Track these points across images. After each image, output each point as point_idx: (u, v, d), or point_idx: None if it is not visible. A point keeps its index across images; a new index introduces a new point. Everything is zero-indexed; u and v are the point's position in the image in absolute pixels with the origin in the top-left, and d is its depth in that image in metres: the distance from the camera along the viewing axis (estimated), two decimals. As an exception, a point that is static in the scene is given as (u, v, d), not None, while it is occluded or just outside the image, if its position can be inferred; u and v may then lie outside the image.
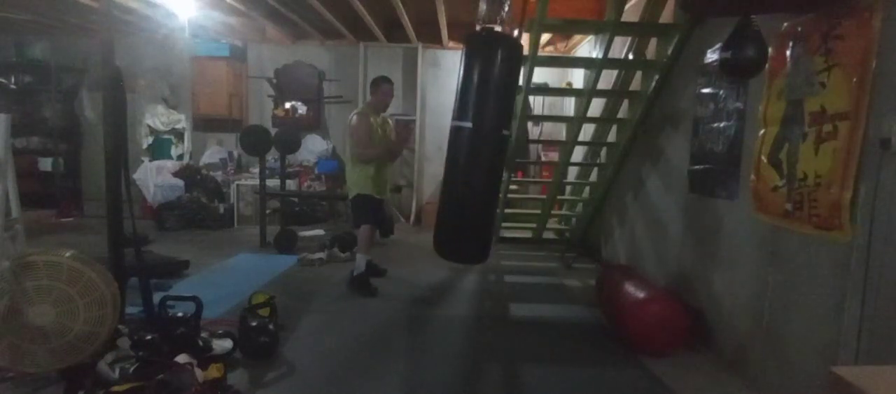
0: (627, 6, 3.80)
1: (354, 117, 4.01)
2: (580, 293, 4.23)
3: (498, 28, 3.35)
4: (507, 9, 3.92)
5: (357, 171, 4.00)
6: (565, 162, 4.80)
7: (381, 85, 4.09)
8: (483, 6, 3.38)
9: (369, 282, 3.96)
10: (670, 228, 3.65)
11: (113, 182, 2.66)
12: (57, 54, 7.01)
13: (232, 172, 7.15)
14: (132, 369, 2.26)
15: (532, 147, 6.74)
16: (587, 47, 6.23)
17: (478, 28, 3.37)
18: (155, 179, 6.46)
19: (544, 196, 5.28)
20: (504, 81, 3.17)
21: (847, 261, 2.04)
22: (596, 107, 4.56)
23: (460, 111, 3.20)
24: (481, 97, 3.14)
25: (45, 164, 7.01)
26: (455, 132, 3.24)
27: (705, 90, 3.23)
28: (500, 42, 3.23)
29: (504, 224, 6.01)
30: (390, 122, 4.34)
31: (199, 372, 2.31)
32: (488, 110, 3.15)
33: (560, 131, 6.80)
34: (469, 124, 3.16)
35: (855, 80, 2.02)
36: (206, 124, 7.36)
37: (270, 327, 2.80)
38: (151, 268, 3.38)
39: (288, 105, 7.08)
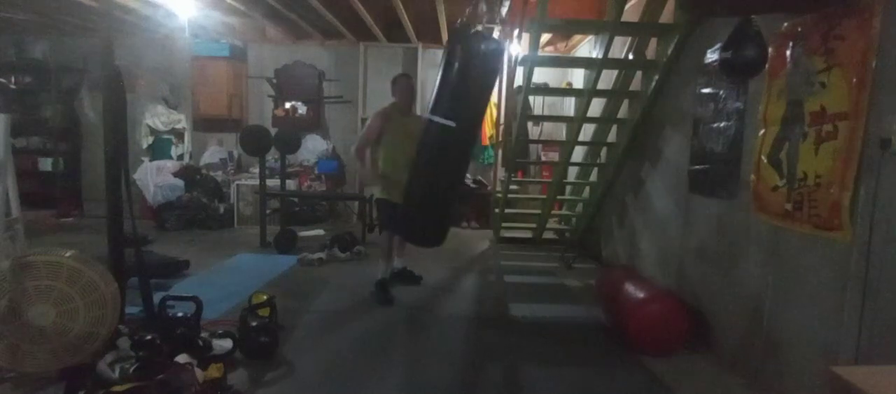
0: (627, 6, 3.79)
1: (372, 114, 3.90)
2: (580, 293, 4.23)
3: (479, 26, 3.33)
4: (484, 8, 3.95)
5: (381, 169, 3.82)
6: (565, 162, 4.80)
7: (398, 81, 3.90)
8: (483, 6, 3.39)
9: (384, 290, 3.78)
10: (670, 228, 3.65)
11: (113, 182, 2.66)
12: (57, 54, 7.01)
13: (232, 172, 7.16)
14: (132, 369, 2.26)
15: (532, 147, 6.74)
16: (587, 47, 6.23)
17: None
18: (155, 179, 6.46)
19: (544, 196, 5.28)
20: (460, 76, 3.15)
21: (847, 261, 2.04)
22: (596, 107, 4.56)
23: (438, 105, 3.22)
24: (441, 92, 3.19)
25: (45, 164, 7.01)
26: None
27: (705, 90, 3.23)
28: (460, 37, 3.23)
29: (504, 224, 6.01)
30: (418, 121, 3.85)
31: (199, 372, 2.31)
32: (448, 105, 3.17)
33: (560, 131, 6.80)
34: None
35: (855, 80, 2.02)
36: (206, 124, 7.36)
37: (270, 326, 2.80)
38: (151, 268, 3.38)
39: (288, 105, 7.08)
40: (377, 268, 3.97)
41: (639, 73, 4.22)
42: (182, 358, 2.40)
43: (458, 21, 3.25)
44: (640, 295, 3.14)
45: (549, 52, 6.95)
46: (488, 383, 2.69)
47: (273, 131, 5.94)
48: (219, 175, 6.97)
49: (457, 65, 3.10)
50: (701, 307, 3.13)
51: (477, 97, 3.28)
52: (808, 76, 2.28)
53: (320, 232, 6.25)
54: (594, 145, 5.00)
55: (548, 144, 6.87)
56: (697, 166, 3.28)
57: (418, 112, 6.90)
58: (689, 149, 3.39)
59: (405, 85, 3.87)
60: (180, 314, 2.74)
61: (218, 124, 7.28)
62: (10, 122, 2.57)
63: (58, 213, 6.89)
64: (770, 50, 2.39)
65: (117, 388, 2.13)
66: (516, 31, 4.69)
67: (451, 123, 3.18)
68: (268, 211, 5.65)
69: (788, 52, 2.42)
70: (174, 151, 7.27)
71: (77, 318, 2.29)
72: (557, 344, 3.20)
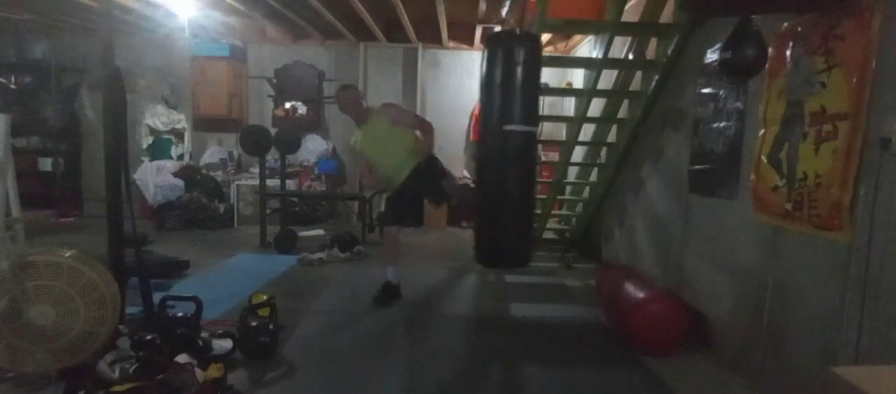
0: (627, 6, 3.79)
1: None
2: (580, 293, 4.23)
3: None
4: (507, 9, 3.93)
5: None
6: (565, 162, 4.80)
7: (338, 98, 3.82)
8: (483, 6, 3.40)
9: (382, 293, 3.74)
10: (670, 228, 3.65)
11: (113, 182, 2.66)
12: (57, 54, 7.01)
13: (232, 172, 7.16)
14: (132, 369, 2.26)
15: (532, 147, 6.72)
16: (587, 47, 6.23)
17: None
18: (155, 179, 6.46)
19: (544, 196, 5.28)
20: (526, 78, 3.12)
21: (847, 261, 2.04)
22: (596, 107, 4.56)
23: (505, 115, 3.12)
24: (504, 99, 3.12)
25: (45, 164, 7.01)
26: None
27: (705, 90, 3.23)
28: (507, 42, 3.20)
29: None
30: (380, 116, 3.67)
31: (199, 372, 2.31)
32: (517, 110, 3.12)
33: (560, 131, 6.80)
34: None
35: (855, 80, 2.02)
36: (206, 124, 7.36)
37: (270, 326, 2.80)
38: (151, 268, 3.38)
39: (288, 105, 7.08)
40: (378, 269, 3.98)
41: (639, 73, 4.21)
42: (182, 358, 2.40)
43: (496, 28, 3.23)
44: (640, 295, 3.14)
45: (549, 52, 6.95)
46: (488, 383, 2.68)
47: (273, 131, 5.94)
48: (219, 175, 6.97)
49: (514, 69, 3.05)
50: (701, 307, 3.13)
51: (536, 95, 3.25)
52: (808, 76, 2.28)
53: (320, 232, 6.25)
54: (594, 145, 5.00)
55: (548, 144, 6.86)
56: (697, 166, 3.28)
57: (418, 112, 6.95)
58: (689, 149, 3.39)
59: (343, 100, 3.74)
60: (180, 314, 2.74)
61: (218, 124, 7.28)
62: (10, 122, 2.56)
63: (58, 213, 6.89)
64: (770, 50, 2.39)
65: (117, 388, 2.13)
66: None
67: (533, 128, 3.18)
68: (268, 211, 5.66)
69: (788, 52, 2.42)
70: (174, 151, 7.27)
71: (77, 318, 2.29)
72: (557, 344, 3.20)
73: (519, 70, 3.05)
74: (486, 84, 3.16)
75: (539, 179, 6.49)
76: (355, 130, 3.76)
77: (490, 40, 3.30)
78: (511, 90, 3.09)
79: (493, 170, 3.22)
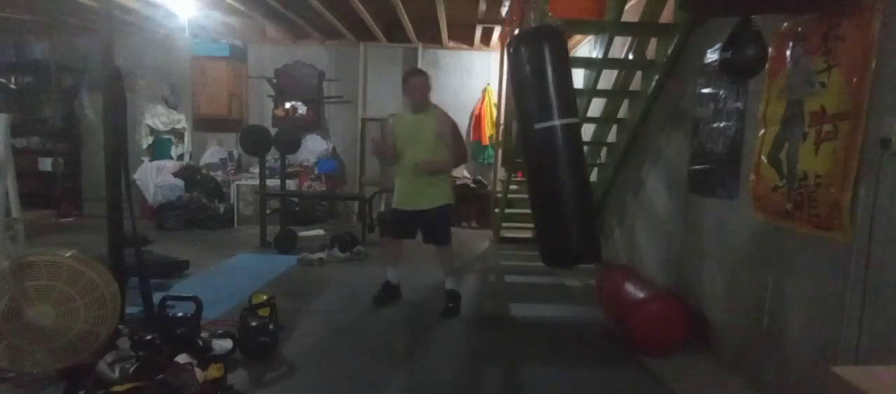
0: (627, 6, 3.79)
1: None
2: (580, 293, 4.23)
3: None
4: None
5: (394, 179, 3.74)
6: (565, 162, 4.79)
7: (409, 79, 3.61)
8: (483, 6, 3.40)
9: (382, 293, 3.76)
10: (670, 228, 3.65)
11: (113, 182, 2.66)
12: (57, 54, 7.02)
13: (232, 172, 7.16)
14: (132, 369, 2.26)
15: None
16: (587, 47, 6.23)
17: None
18: (155, 179, 6.47)
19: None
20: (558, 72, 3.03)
21: (847, 261, 2.04)
22: (596, 107, 4.56)
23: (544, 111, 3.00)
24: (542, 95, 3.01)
25: (45, 164, 7.02)
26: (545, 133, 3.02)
27: (705, 90, 3.23)
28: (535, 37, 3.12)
29: (504, 224, 6.01)
30: (440, 119, 3.58)
31: (199, 372, 2.31)
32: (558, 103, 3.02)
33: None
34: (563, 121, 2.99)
35: (855, 80, 2.02)
36: (206, 124, 7.37)
37: (270, 327, 2.80)
38: (151, 268, 3.38)
39: (288, 105, 7.08)
40: (378, 269, 3.98)
41: (639, 73, 4.21)
42: (182, 358, 2.40)
43: (520, 28, 3.19)
44: (640, 295, 3.14)
45: (549, 52, 6.94)
46: (488, 383, 2.68)
47: (273, 131, 5.95)
48: (219, 175, 6.98)
49: (544, 64, 2.96)
50: (701, 307, 3.13)
51: (571, 84, 3.15)
52: (808, 76, 2.28)
53: (320, 232, 6.25)
54: (594, 145, 5.00)
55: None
56: (697, 166, 3.28)
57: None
58: (689, 149, 3.39)
59: (416, 83, 3.55)
60: (180, 314, 2.74)
61: (218, 124, 7.29)
62: (10, 122, 2.56)
63: (58, 213, 6.89)
64: (770, 50, 2.39)
65: (117, 388, 2.13)
66: (517, 31, 4.68)
67: (575, 119, 3.07)
68: (268, 211, 5.66)
69: (788, 52, 2.42)
70: (174, 151, 7.28)
71: (77, 318, 2.28)
72: (557, 344, 3.20)
73: (550, 65, 2.95)
74: (519, 85, 3.07)
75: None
76: (400, 110, 3.71)
77: (515, 40, 3.22)
78: (544, 86, 2.97)
79: (544, 168, 3.09)
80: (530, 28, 3.29)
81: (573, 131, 3.05)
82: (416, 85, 3.53)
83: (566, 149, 2.99)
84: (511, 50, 3.17)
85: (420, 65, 7.22)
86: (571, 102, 3.12)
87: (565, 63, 3.11)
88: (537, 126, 3.00)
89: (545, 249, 3.20)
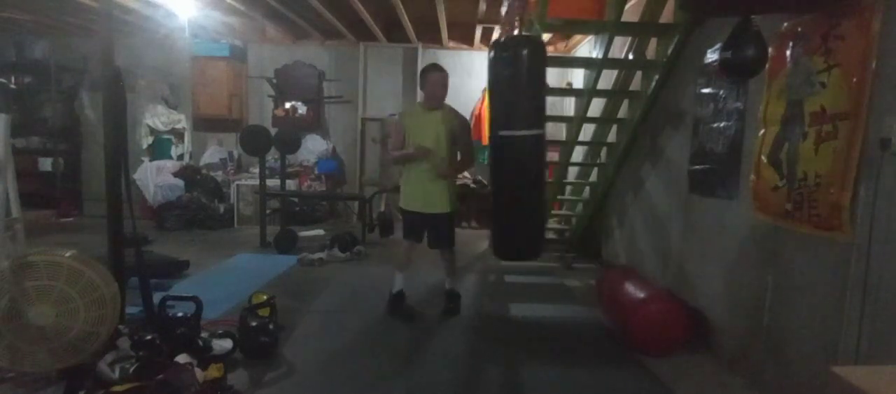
0: (627, 6, 3.79)
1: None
2: (580, 293, 4.23)
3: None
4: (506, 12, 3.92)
5: (401, 179, 3.61)
6: (565, 162, 4.80)
7: (428, 74, 3.44)
8: (483, 6, 3.41)
9: (399, 303, 3.57)
10: (670, 228, 3.65)
11: (113, 182, 2.66)
12: (57, 54, 7.01)
13: (232, 172, 7.16)
14: (132, 369, 2.26)
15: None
16: (587, 47, 6.23)
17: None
18: (155, 179, 6.46)
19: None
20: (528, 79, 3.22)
21: (847, 261, 2.04)
22: (596, 107, 4.56)
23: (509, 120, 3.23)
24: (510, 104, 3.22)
25: (45, 164, 7.02)
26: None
27: (705, 90, 3.23)
28: (511, 45, 3.26)
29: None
30: (455, 119, 3.48)
31: (199, 372, 2.31)
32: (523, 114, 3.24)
33: (560, 131, 6.80)
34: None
35: (855, 80, 2.02)
36: (206, 124, 7.36)
37: (270, 327, 2.80)
38: (151, 268, 3.38)
39: (288, 105, 7.08)
40: (379, 269, 3.97)
41: (639, 73, 4.21)
42: (182, 358, 2.41)
43: (500, 36, 3.28)
44: (640, 295, 3.14)
45: (549, 52, 6.93)
46: (488, 383, 2.69)
47: (273, 131, 5.94)
48: (219, 175, 6.97)
49: (516, 72, 3.13)
50: (701, 307, 3.13)
51: (542, 96, 3.35)
52: (808, 76, 2.28)
53: (320, 232, 6.25)
54: (594, 145, 5.00)
55: (548, 143, 6.85)
56: (697, 166, 3.28)
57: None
58: (689, 149, 3.39)
59: (436, 80, 3.41)
60: (180, 314, 2.74)
61: (218, 124, 7.29)
62: (10, 122, 2.56)
63: (58, 213, 6.89)
64: (770, 50, 2.39)
65: (117, 388, 2.13)
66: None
67: (538, 131, 3.25)
68: (268, 211, 5.66)
69: (788, 52, 2.42)
70: (174, 151, 7.27)
71: (77, 318, 2.28)
72: (557, 344, 3.20)
73: (522, 74, 3.13)
74: (491, 90, 3.28)
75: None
76: (405, 108, 3.62)
77: (493, 46, 3.33)
78: (514, 95, 3.18)
79: (502, 173, 3.37)
80: (509, 37, 3.37)
81: (534, 142, 3.27)
82: (438, 81, 3.42)
83: (526, 158, 3.26)
84: (491, 55, 3.28)
85: (420, 65, 7.21)
86: (538, 113, 3.32)
87: (537, 76, 3.24)
88: (501, 133, 3.26)
89: (495, 242, 3.59)
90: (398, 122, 3.59)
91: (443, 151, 3.42)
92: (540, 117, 3.34)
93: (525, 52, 3.12)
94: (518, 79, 3.15)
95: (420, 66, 7.12)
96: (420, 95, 3.59)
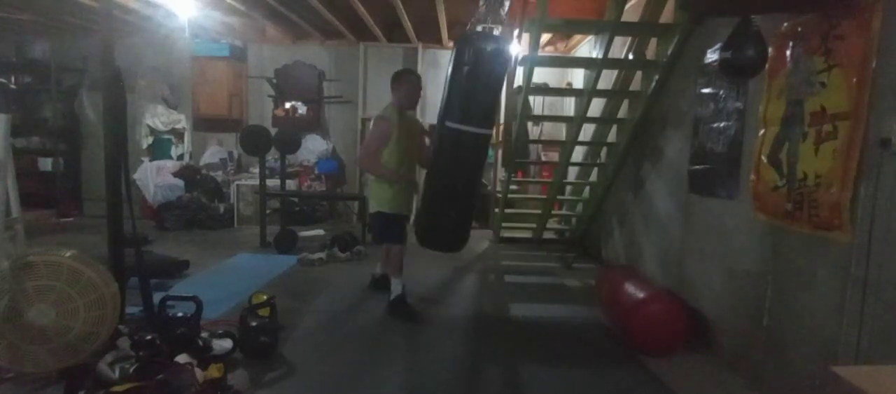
0: (627, 6, 3.80)
1: (372, 121, 3.59)
2: (580, 293, 4.23)
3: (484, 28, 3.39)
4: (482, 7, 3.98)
5: (376, 184, 3.56)
6: (565, 162, 4.80)
7: (405, 79, 3.52)
8: (482, 6, 3.44)
9: (408, 305, 3.54)
10: (670, 228, 3.65)
11: (113, 182, 2.66)
12: (57, 54, 7.01)
13: (232, 172, 7.16)
14: (132, 369, 2.26)
15: (532, 147, 6.75)
16: (587, 47, 6.23)
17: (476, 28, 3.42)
18: (155, 179, 6.46)
19: (544, 196, 5.28)
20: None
21: (847, 261, 2.04)
22: (596, 107, 4.56)
23: (457, 113, 3.28)
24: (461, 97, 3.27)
25: (45, 164, 7.01)
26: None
27: (705, 90, 3.23)
28: (468, 40, 3.33)
29: (504, 224, 6.01)
30: (423, 124, 3.59)
31: (199, 372, 2.31)
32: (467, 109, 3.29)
33: (560, 131, 6.80)
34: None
35: (855, 80, 2.02)
36: (206, 124, 7.36)
37: (270, 327, 2.80)
38: (151, 268, 3.38)
39: (288, 105, 7.08)
40: (377, 270, 3.96)
41: (639, 73, 4.22)
42: (182, 358, 2.40)
43: (467, 27, 3.32)
44: (640, 295, 3.14)
45: (549, 52, 6.95)
46: (488, 383, 2.69)
47: (273, 131, 5.94)
48: (219, 175, 6.97)
49: (468, 68, 3.17)
50: (701, 307, 3.13)
51: (493, 97, 3.39)
52: (808, 76, 2.28)
53: (320, 232, 6.25)
54: (594, 145, 5.00)
55: (548, 144, 6.87)
56: (697, 166, 3.29)
57: (418, 112, 6.90)
58: (689, 149, 3.39)
59: (414, 84, 3.54)
60: (180, 314, 2.74)
61: (218, 124, 7.29)
62: (10, 122, 2.56)
63: (58, 213, 6.89)
64: (770, 50, 2.39)
65: (117, 388, 2.13)
66: (516, 31, 4.69)
67: (485, 131, 3.31)
68: (268, 211, 5.66)
69: (788, 52, 2.42)
70: (174, 151, 7.27)
71: (77, 318, 2.28)
72: (557, 344, 3.20)
73: (465, 70, 3.19)
74: (450, 78, 3.32)
75: (538, 179, 6.55)
76: (388, 110, 3.52)
77: (465, 35, 3.43)
78: (472, 90, 3.23)
79: (442, 162, 3.42)
80: (474, 31, 3.42)
81: (481, 141, 3.34)
82: (416, 85, 3.59)
83: (465, 153, 3.32)
84: (459, 42, 3.35)
85: (420, 65, 7.22)
86: (489, 114, 3.40)
87: (493, 75, 3.29)
88: (448, 124, 3.29)
89: (419, 230, 3.63)
90: (381, 122, 3.45)
91: (416, 154, 3.64)
92: (490, 118, 3.43)
93: (492, 50, 3.18)
94: (478, 75, 3.20)
95: (420, 67, 7.17)
96: (393, 99, 3.55)
